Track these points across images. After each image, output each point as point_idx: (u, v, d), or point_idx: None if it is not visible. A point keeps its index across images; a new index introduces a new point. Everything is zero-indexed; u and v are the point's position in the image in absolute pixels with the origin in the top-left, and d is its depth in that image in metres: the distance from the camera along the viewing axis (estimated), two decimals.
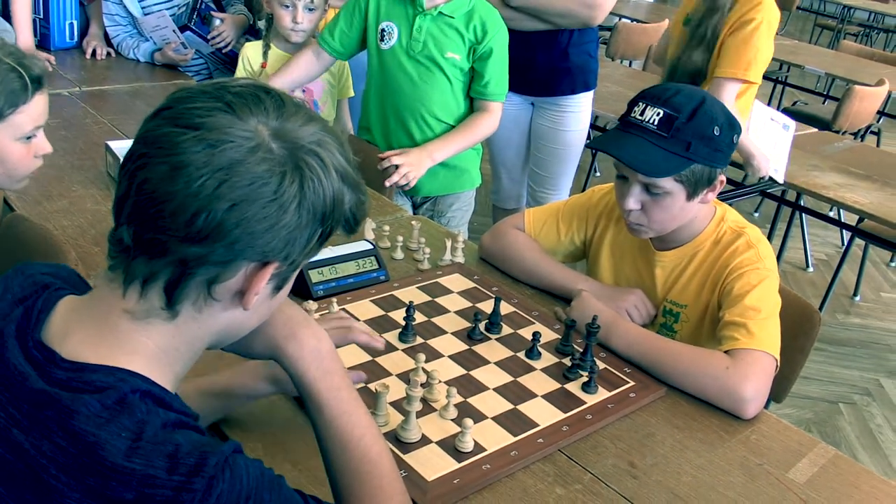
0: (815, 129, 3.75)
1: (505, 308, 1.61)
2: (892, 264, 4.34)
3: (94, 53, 3.20)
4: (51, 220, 1.85)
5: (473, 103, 2.38)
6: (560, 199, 2.64)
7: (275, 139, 0.78)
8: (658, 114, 1.48)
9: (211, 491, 0.72)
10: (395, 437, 1.23)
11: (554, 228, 1.79)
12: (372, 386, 1.32)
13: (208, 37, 3.18)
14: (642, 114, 1.51)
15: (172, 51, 3.13)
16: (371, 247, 1.73)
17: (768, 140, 2.74)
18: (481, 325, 1.54)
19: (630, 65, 5.51)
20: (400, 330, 1.50)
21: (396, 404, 1.29)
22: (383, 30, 2.32)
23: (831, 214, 4.08)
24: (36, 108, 1.50)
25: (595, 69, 2.93)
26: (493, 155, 3.12)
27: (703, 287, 1.60)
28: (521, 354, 1.49)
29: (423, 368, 1.36)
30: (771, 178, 2.81)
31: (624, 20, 5.65)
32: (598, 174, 4.98)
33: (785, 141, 2.80)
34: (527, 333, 1.54)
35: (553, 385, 1.41)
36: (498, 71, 2.33)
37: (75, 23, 3.25)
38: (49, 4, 3.15)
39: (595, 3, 2.72)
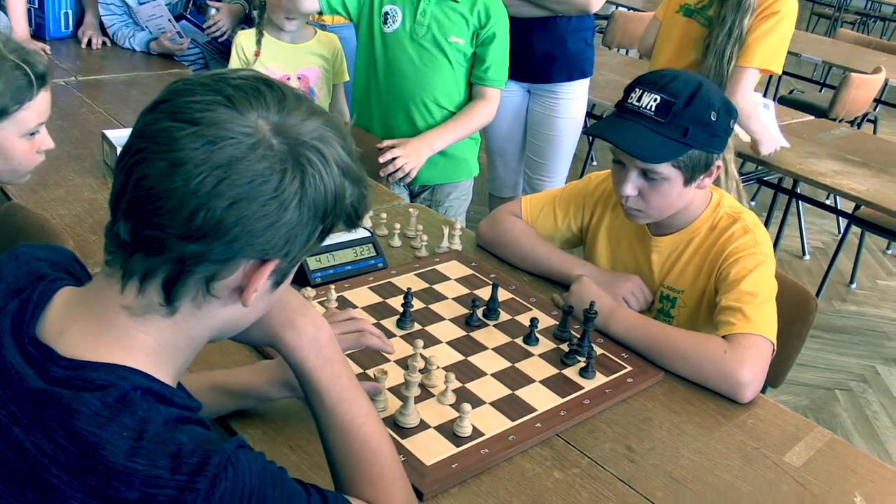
0: (812, 117, 3.74)
1: (503, 294, 1.62)
2: (889, 252, 4.35)
3: (89, 43, 3.18)
4: (48, 208, 1.85)
5: (472, 91, 2.37)
6: (556, 186, 2.63)
7: (275, 135, 0.75)
8: (655, 99, 1.49)
9: (214, 490, 0.72)
10: (393, 423, 1.23)
11: (551, 215, 1.79)
12: (370, 372, 1.33)
13: (204, 26, 3.17)
14: (639, 100, 1.51)
15: (168, 40, 3.12)
16: (369, 234, 1.73)
17: (765, 121, 2.79)
18: (479, 312, 1.54)
19: (626, 53, 5.50)
20: (398, 317, 1.51)
21: (395, 390, 1.30)
22: (387, 13, 2.29)
23: (828, 202, 4.09)
24: (40, 105, 1.50)
25: (591, 57, 2.94)
26: (489, 143, 3.11)
27: (700, 272, 1.60)
28: (519, 340, 1.49)
29: (421, 354, 1.36)
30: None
31: (621, 9, 5.64)
32: (594, 163, 4.98)
33: (771, 118, 2.86)
34: (524, 319, 1.54)
35: (551, 370, 1.42)
36: (499, 56, 2.32)
37: (70, 12, 3.23)
38: None
39: None
